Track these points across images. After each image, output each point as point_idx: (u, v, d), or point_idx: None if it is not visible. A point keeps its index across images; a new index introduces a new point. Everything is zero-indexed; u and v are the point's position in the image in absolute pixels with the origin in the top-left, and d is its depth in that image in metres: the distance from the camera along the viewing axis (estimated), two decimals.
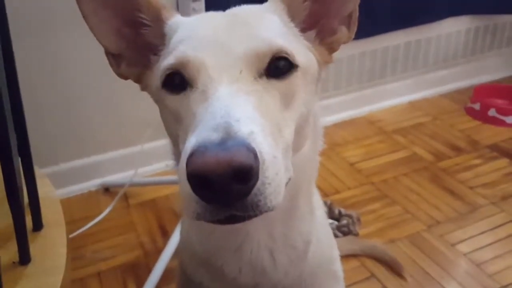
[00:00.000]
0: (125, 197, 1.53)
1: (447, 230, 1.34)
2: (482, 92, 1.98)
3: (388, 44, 1.93)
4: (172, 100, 0.51)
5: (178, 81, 0.50)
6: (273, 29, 0.52)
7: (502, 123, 1.85)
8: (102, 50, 1.57)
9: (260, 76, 0.49)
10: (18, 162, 0.77)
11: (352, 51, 1.86)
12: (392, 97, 2.03)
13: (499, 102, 1.97)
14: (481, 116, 1.89)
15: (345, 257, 1.24)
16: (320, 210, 0.67)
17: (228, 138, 0.40)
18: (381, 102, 2.01)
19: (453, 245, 1.29)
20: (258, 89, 0.48)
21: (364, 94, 1.97)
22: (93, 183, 1.58)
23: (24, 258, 0.81)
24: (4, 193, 0.78)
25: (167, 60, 0.51)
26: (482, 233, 1.33)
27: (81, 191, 1.57)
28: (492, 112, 1.86)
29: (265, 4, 0.56)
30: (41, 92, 1.43)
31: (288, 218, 0.59)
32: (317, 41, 0.58)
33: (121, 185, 1.52)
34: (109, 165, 1.60)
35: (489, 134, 1.81)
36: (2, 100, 0.73)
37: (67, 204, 1.48)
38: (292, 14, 0.55)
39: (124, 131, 1.59)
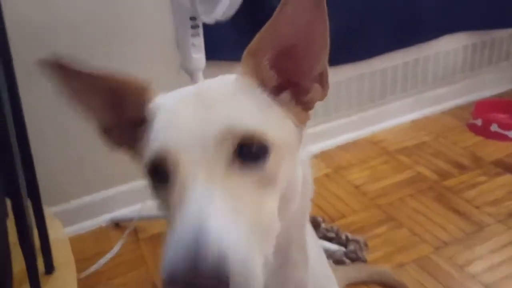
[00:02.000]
0: (135, 231, 1.55)
1: (455, 252, 1.34)
2: (483, 108, 1.99)
3: (386, 65, 1.95)
4: (157, 188, 0.51)
5: (160, 172, 0.50)
6: (242, 110, 0.51)
7: (505, 137, 1.86)
8: None
9: (233, 163, 0.48)
10: (28, 206, 0.80)
11: (350, 73, 1.89)
12: (394, 116, 2.05)
13: (501, 116, 1.99)
14: (484, 131, 1.90)
15: (353, 284, 1.25)
16: (314, 250, 0.66)
17: (197, 262, 0.40)
18: (383, 122, 2.03)
19: (461, 266, 1.29)
20: (232, 181, 0.47)
21: (365, 115, 2.00)
22: (103, 219, 1.61)
23: None
24: (16, 237, 0.81)
25: (148, 154, 0.51)
26: (490, 252, 1.33)
27: (91, 227, 1.59)
28: (494, 127, 1.87)
29: (233, 80, 0.54)
30: (47, 132, 1.47)
31: (282, 269, 0.59)
32: (293, 102, 0.56)
33: (130, 219, 1.54)
34: (118, 199, 1.62)
35: (493, 149, 1.81)
36: (11, 147, 0.76)
37: (78, 240, 1.50)
38: (262, 84, 0.54)
39: (131, 165, 1.62)
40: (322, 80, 0.56)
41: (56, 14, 1.37)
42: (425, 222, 1.47)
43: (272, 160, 0.49)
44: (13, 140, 0.77)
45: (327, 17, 0.50)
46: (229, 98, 0.52)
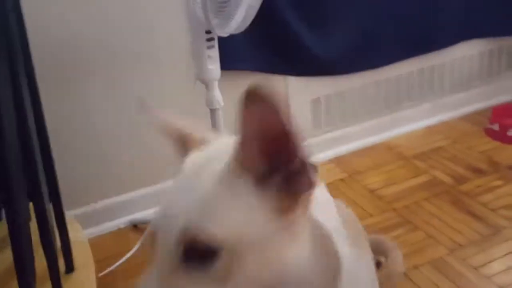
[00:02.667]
0: None
1: (470, 254, 1.34)
2: (501, 113, 1.98)
3: (402, 71, 1.96)
4: None
5: None
6: (206, 209, 0.50)
7: None
8: (127, 92, 1.66)
9: (182, 262, 0.49)
10: (50, 209, 0.83)
11: (366, 80, 1.91)
12: (410, 122, 2.05)
13: None
14: (501, 136, 1.89)
15: None
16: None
17: None
18: (399, 128, 2.03)
19: (476, 268, 1.29)
20: (179, 279, 0.49)
21: (381, 121, 2.00)
22: (122, 221, 1.65)
23: None
24: (38, 239, 0.84)
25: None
26: (506, 255, 1.32)
27: (111, 228, 1.63)
28: (511, 132, 1.86)
29: (225, 165, 0.52)
30: (67, 137, 1.52)
31: None
32: (284, 187, 0.51)
33: (149, 222, 1.58)
34: (137, 202, 1.66)
35: (510, 154, 1.80)
36: (33, 150, 0.80)
37: (98, 242, 1.54)
38: (247, 171, 0.51)
39: (150, 169, 1.66)
40: (304, 172, 0.50)
41: (76, 29, 1.43)
42: (440, 225, 1.47)
43: (224, 261, 0.48)
44: (35, 143, 0.81)
45: (280, 110, 0.46)
46: (204, 190, 0.51)
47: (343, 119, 1.93)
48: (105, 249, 1.53)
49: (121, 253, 1.49)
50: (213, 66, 1.27)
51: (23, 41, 0.76)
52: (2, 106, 0.59)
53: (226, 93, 1.33)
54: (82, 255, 1.00)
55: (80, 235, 1.04)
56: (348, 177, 1.79)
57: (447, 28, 1.94)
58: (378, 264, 1.31)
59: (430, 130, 2.05)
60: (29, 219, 0.88)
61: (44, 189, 0.85)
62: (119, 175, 1.63)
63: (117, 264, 1.43)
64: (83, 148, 1.55)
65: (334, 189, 1.72)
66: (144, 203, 1.67)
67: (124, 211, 1.65)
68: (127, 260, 1.46)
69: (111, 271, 1.41)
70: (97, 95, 1.52)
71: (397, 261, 1.15)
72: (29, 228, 0.77)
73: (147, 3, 1.50)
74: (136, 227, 1.64)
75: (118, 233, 1.62)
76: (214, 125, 1.33)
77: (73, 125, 1.52)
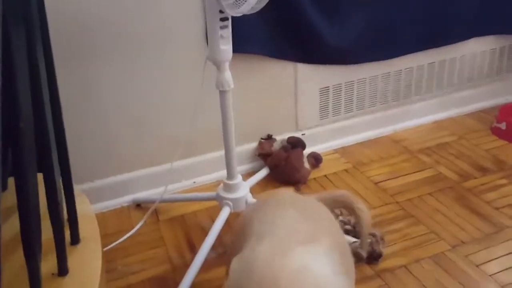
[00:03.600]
0: (155, 212, 1.59)
1: (472, 251, 1.34)
2: (508, 112, 1.97)
3: (412, 65, 1.95)
4: None
5: None
6: None
7: None
8: (136, 73, 1.66)
9: None
10: (59, 181, 0.83)
11: (375, 71, 1.90)
12: (417, 116, 2.05)
13: None
14: (507, 135, 1.88)
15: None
16: None
17: None
18: (406, 122, 2.03)
19: (478, 265, 1.29)
20: None
21: (388, 114, 2.00)
22: (125, 199, 1.65)
23: (63, 270, 0.86)
24: (46, 209, 0.84)
25: None
26: (508, 254, 1.32)
27: (114, 206, 1.64)
28: None
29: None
30: (77, 113, 1.52)
31: None
32: None
33: (151, 201, 1.58)
34: (140, 182, 1.67)
35: None
36: (46, 122, 0.79)
37: (101, 218, 1.55)
38: None
39: (155, 150, 1.66)
40: None
41: (91, 10, 1.42)
42: (443, 221, 1.47)
43: None
44: (48, 115, 0.80)
45: None
46: None
47: (350, 109, 1.92)
48: (107, 226, 1.54)
49: (123, 231, 1.49)
50: (226, 46, 1.26)
51: (41, 10, 0.75)
52: (18, 72, 0.58)
53: (236, 75, 1.33)
54: (88, 227, 1.00)
55: (87, 208, 1.04)
56: (352, 167, 1.79)
57: (460, 22, 1.92)
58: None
59: (437, 125, 2.05)
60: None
61: (55, 160, 0.84)
62: (125, 154, 1.63)
63: (119, 241, 1.44)
64: (91, 125, 1.55)
65: (338, 179, 1.72)
66: (148, 183, 1.67)
67: (128, 190, 1.66)
68: (128, 238, 1.46)
69: (113, 248, 1.42)
70: (107, 74, 1.51)
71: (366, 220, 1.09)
72: (37, 198, 0.77)
73: None
74: (139, 206, 1.64)
75: (121, 211, 1.62)
76: (224, 107, 1.33)
77: (83, 102, 1.51)
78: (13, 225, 0.83)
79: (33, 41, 0.66)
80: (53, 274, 0.86)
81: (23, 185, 0.67)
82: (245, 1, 1.17)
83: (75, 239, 0.94)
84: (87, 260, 0.91)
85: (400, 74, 1.95)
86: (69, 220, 0.94)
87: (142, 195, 1.66)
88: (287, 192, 0.99)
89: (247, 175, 1.73)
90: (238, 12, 1.19)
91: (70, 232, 0.94)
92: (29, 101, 0.66)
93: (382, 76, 1.92)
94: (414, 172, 1.73)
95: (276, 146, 1.78)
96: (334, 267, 0.67)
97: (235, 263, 0.67)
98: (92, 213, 1.04)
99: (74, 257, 0.90)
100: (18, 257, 0.80)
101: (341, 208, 1.24)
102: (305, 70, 1.78)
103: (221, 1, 1.15)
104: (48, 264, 0.87)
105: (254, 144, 1.80)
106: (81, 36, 1.44)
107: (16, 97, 0.59)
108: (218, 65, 1.29)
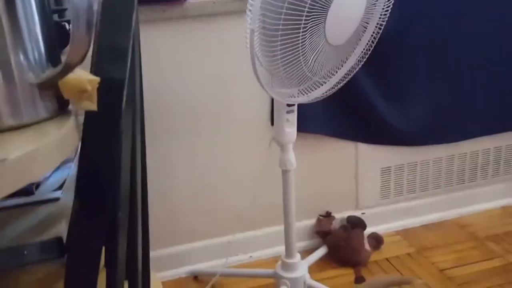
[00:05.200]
0: (212, 286, 1.58)
1: None
2: None
3: (477, 148, 1.91)
4: None
5: None
6: None
7: None
8: (199, 147, 1.71)
9: None
10: (140, 255, 0.85)
11: (439, 154, 1.87)
12: (484, 201, 1.97)
13: None
14: None
15: None
16: None
17: None
18: (472, 206, 1.96)
19: None
20: None
21: (453, 197, 1.94)
22: (183, 270, 1.66)
23: None
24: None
25: None
26: None
27: (172, 277, 1.65)
28: None
29: None
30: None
31: None
32: None
33: (210, 274, 1.58)
34: (198, 254, 1.68)
35: None
36: (136, 199, 0.82)
37: None
38: None
39: (214, 221, 1.68)
40: None
41: (169, 92, 1.52)
42: None
43: None
44: (139, 200, 0.83)
45: None
46: None
47: (413, 190, 1.88)
48: None
49: None
50: (291, 129, 1.30)
51: (141, 101, 0.81)
52: (123, 166, 0.61)
53: (297, 151, 1.36)
54: None
55: (156, 283, 1.05)
56: (416, 252, 1.72)
57: None
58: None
59: (505, 211, 1.95)
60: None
61: (139, 238, 0.86)
62: (185, 224, 1.66)
63: None
64: (155, 195, 1.60)
65: (400, 264, 1.66)
66: (206, 255, 1.68)
67: (186, 261, 1.67)
68: None
69: None
70: (176, 147, 1.58)
71: None
72: (123, 275, 0.77)
73: (235, 71, 1.58)
74: (196, 278, 1.64)
75: (178, 282, 1.63)
76: (286, 185, 1.35)
77: (151, 172, 1.58)
78: None
79: (135, 132, 0.70)
80: None
81: (114, 266, 0.68)
82: (314, 90, 1.21)
83: None
84: None
85: (465, 157, 1.91)
86: None
87: (199, 266, 1.67)
88: None
89: (304, 252, 1.71)
90: (306, 101, 1.24)
91: None
92: (128, 192, 0.68)
93: (447, 158, 1.89)
94: (482, 261, 1.64)
95: (335, 224, 1.76)
96: None
97: None
98: (160, 285, 1.05)
99: None
100: None
101: None
102: (366, 149, 1.78)
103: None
104: None
105: (312, 221, 1.79)
106: (157, 114, 1.53)
107: (118, 188, 0.61)
108: (282, 146, 1.33)
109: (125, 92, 0.52)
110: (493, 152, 1.94)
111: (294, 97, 1.21)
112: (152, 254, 1.63)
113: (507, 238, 1.76)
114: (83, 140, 0.52)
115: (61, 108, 0.57)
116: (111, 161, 0.52)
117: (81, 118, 0.52)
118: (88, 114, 0.51)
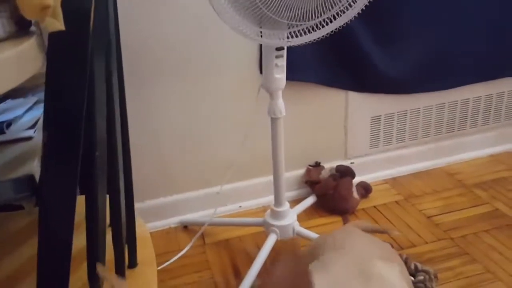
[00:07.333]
0: (202, 235, 1.59)
1: None
2: None
3: (468, 96, 1.90)
4: None
5: None
6: None
7: None
8: (186, 95, 1.67)
9: None
10: (123, 204, 0.84)
11: (430, 102, 1.85)
12: (473, 149, 1.98)
13: None
14: None
15: None
16: None
17: None
18: (461, 154, 1.97)
19: None
20: None
21: (442, 145, 1.94)
22: (172, 220, 1.67)
23: None
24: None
25: None
26: None
27: (161, 227, 1.65)
28: None
29: None
30: (133, 133, 1.55)
31: None
32: None
33: (199, 224, 1.59)
34: (188, 204, 1.68)
35: None
36: (117, 148, 0.80)
37: None
38: None
39: (203, 172, 1.67)
40: None
41: (159, 38, 1.46)
42: (500, 260, 1.40)
43: None
44: (119, 140, 0.81)
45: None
46: None
47: (403, 139, 1.88)
48: (154, 247, 1.54)
49: (169, 252, 1.50)
50: (280, 75, 1.27)
51: (118, 42, 0.77)
52: (97, 104, 0.59)
53: (287, 101, 1.33)
54: (145, 250, 1.00)
55: (144, 231, 1.05)
56: (404, 199, 1.74)
57: None
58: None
59: (494, 159, 1.97)
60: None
61: (121, 184, 0.85)
62: (174, 175, 1.65)
63: (168, 262, 1.45)
64: (144, 146, 1.58)
65: (388, 211, 1.67)
66: (195, 205, 1.68)
67: (176, 211, 1.67)
68: (175, 260, 1.47)
69: (160, 270, 1.42)
70: (164, 95, 1.54)
71: None
72: (105, 221, 0.77)
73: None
74: (186, 227, 1.65)
75: (168, 232, 1.63)
76: (275, 133, 1.33)
77: (139, 121, 1.55)
78: (74, 244, 0.84)
79: (110, 71, 0.68)
80: None
81: (94, 210, 0.68)
82: (303, 34, 1.17)
83: (133, 263, 0.95)
84: (144, 284, 0.91)
85: (456, 105, 1.90)
86: (128, 242, 0.95)
87: (189, 217, 1.67)
88: (351, 226, 1.00)
89: (293, 201, 1.71)
90: (294, 43, 1.19)
91: (128, 255, 0.94)
92: (104, 131, 0.66)
93: (437, 107, 1.88)
94: (469, 207, 1.67)
95: (324, 174, 1.76)
96: None
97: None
98: (148, 236, 1.04)
99: (131, 281, 0.91)
100: (78, 278, 0.81)
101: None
102: (356, 98, 1.76)
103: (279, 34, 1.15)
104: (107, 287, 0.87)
105: (301, 171, 1.79)
106: (145, 58, 1.48)
107: (93, 127, 0.59)
108: (271, 93, 1.30)
109: (92, 8, 0.47)
110: (484, 100, 1.93)
111: (281, 39, 1.17)
112: (141, 205, 1.64)
113: (494, 185, 1.78)
114: (48, 64, 0.47)
115: (22, 28, 0.52)
116: (78, 86, 0.48)
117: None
118: (52, 35, 0.45)
